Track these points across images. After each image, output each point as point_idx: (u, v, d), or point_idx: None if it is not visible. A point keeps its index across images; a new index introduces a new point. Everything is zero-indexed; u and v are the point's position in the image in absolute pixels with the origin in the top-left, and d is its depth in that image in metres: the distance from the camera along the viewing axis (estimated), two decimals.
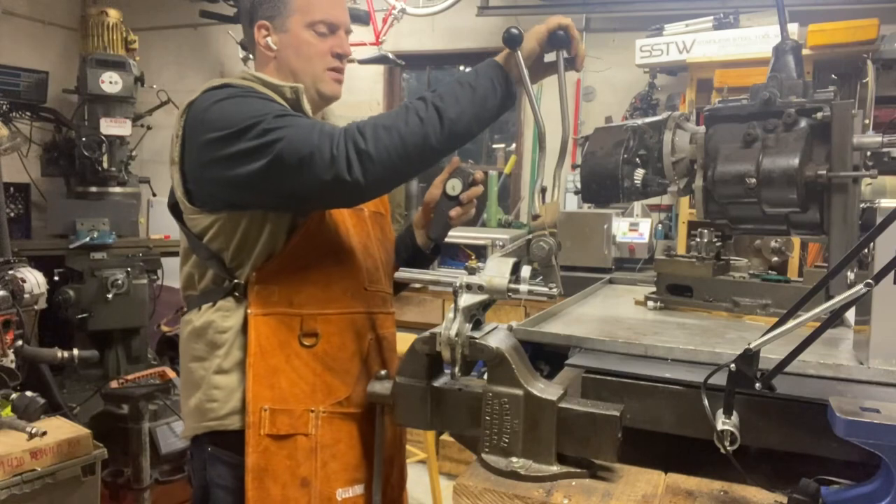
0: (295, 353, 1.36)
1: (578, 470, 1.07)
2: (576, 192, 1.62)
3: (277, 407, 1.33)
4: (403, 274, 1.31)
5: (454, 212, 1.46)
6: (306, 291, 1.37)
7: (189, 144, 1.33)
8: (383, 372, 1.35)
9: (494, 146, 5.16)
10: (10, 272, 2.45)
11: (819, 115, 1.24)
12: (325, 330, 1.38)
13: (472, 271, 1.15)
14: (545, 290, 1.15)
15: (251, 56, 1.54)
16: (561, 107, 1.40)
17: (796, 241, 3.22)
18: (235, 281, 1.36)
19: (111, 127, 3.94)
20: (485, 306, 1.17)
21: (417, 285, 1.38)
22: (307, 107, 1.40)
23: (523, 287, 1.14)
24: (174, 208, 1.44)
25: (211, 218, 1.36)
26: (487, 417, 1.11)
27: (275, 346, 1.34)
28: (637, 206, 4.04)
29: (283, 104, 1.34)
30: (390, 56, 4.33)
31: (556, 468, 1.07)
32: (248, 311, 1.34)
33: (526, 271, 1.16)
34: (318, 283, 1.38)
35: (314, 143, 1.19)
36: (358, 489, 1.40)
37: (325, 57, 1.45)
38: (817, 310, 0.94)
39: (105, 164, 3.94)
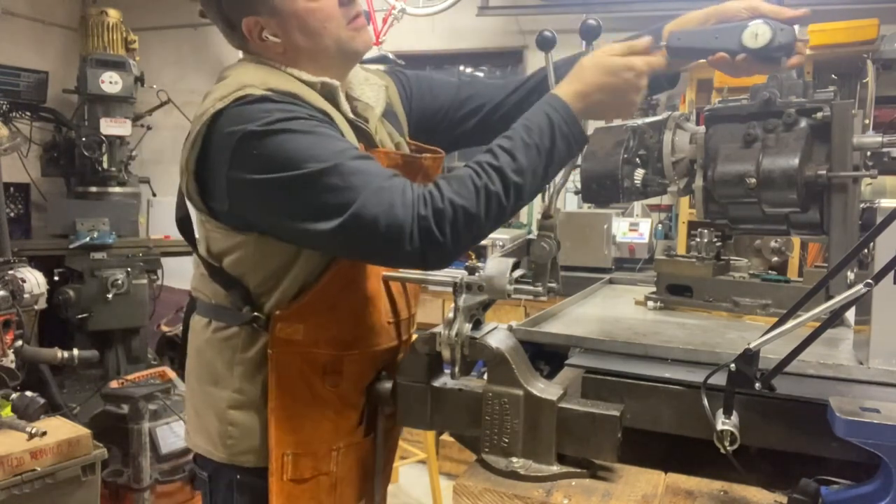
0: (319, 396, 1.25)
1: (578, 470, 1.07)
2: (576, 192, 1.61)
3: (301, 451, 1.24)
4: (403, 274, 1.31)
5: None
6: (333, 330, 1.23)
7: (218, 165, 1.12)
8: (383, 372, 1.35)
9: None
10: (10, 272, 2.46)
11: (819, 115, 1.24)
12: (349, 370, 1.27)
13: (472, 271, 1.15)
14: (542, 290, 1.16)
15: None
16: None
17: (796, 241, 3.22)
18: (255, 314, 1.22)
19: (111, 127, 3.95)
20: (485, 306, 1.17)
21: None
22: (345, 105, 1.24)
23: (523, 287, 1.14)
24: (182, 224, 1.32)
25: (237, 238, 1.20)
26: (487, 417, 1.11)
27: (298, 388, 1.23)
28: (637, 206, 4.04)
29: (339, 129, 1.15)
30: (390, 56, 4.33)
31: (556, 468, 1.07)
32: (269, 349, 1.21)
33: (525, 271, 1.16)
34: (346, 321, 1.25)
35: (391, 220, 1.04)
36: None
37: (334, 15, 1.21)
38: (817, 310, 0.94)
39: (105, 164, 3.95)
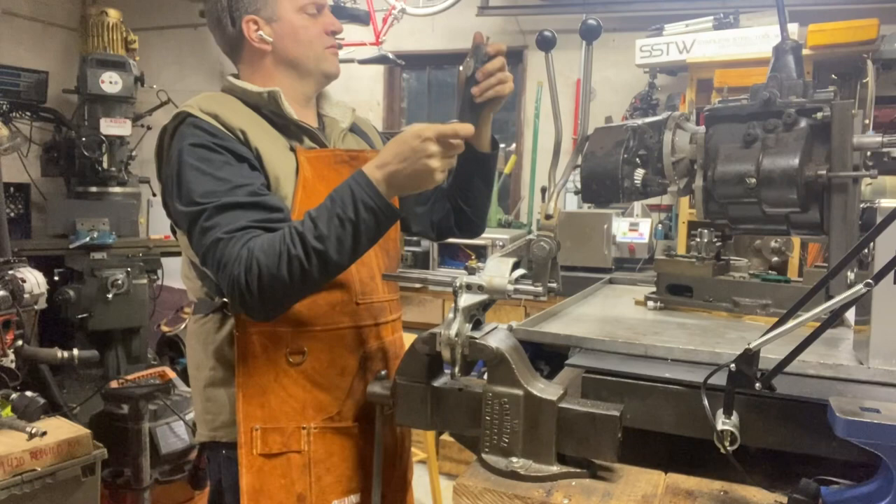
0: (283, 372, 1.34)
1: (578, 470, 1.07)
2: (576, 192, 1.61)
3: (268, 426, 1.33)
4: (403, 274, 1.31)
5: (475, 89, 1.37)
6: (293, 309, 1.31)
7: (163, 172, 1.35)
8: (383, 372, 1.35)
9: None
10: (10, 272, 2.45)
11: (819, 115, 1.24)
12: (312, 347, 1.35)
13: (472, 271, 1.15)
14: (541, 290, 1.15)
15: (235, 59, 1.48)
16: (553, 108, 1.41)
17: (796, 241, 3.22)
18: (224, 300, 1.35)
19: (111, 127, 3.95)
20: (485, 306, 1.17)
21: (417, 285, 1.37)
22: (288, 108, 1.38)
23: (523, 287, 1.14)
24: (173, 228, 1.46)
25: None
26: (487, 417, 1.11)
27: (262, 364, 1.33)
28: (637, 206, 4.04)
29: (248, 146, 1.31)
30: (390, 56, 4.33)
31: (556, 468, 1.07)
32: (235, 330, 1.33)
33: (525, 271, 1.16)
34: (306, 301, 1.32)
35: (223, 274, 1.21)
36: (354, 498, 1.40)
37: (322, 37, 1.44)
38: (817, 310, 0.94)
39: (105, 164, 3.94)
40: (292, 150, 1.37)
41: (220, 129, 1.30)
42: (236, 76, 1.46)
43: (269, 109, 1.40)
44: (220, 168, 1.26)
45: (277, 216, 1.26)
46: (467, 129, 1.21)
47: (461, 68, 1.40)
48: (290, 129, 1.41)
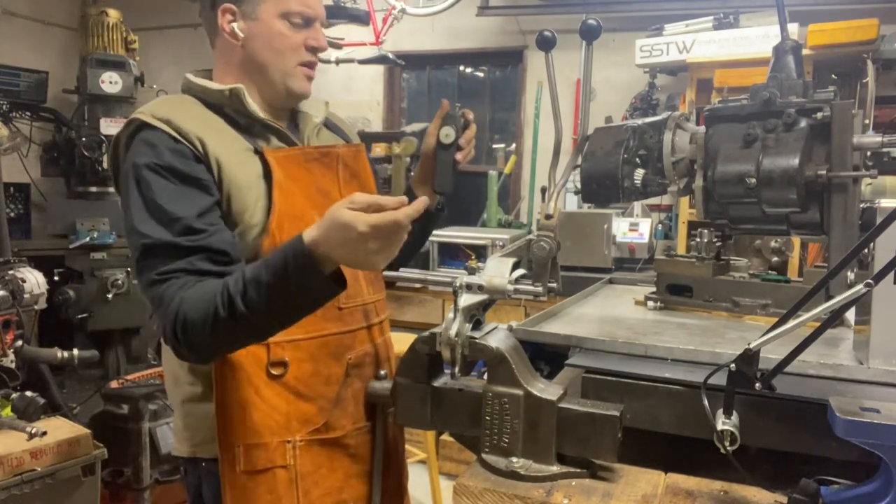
0: (265, 385, 1.27)
1: (578, 470, 1.07)
2: (576, 192, 1.62)
3: (251, 442, 1.26)
4: (403, 274, 1.31)
5: (460, 156, 1.43)
6: None
7: (119, 184, 1.29)
8: (383, 372, 1.35)
9: (494, 146, 5.16)
10: (10, 272, 2.45)
11: (819, 115, 1.24)
12: (294, 357, 1.28)
13: (472, 271, 1.15)
14: (542, 290, 1.15)
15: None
16: (553, 108, 1.41)
17: (796, 241, 3.22)
18: None
19: (111, 127, 3.95)
20: (485, 306, 1.17)
21: (417, 285, 1.37)
22: (252, 105, 1.32)
23: (523, 287, 1.14)
24: None
25: None
26: (487, 417, 1.11)
27: (242, 378, 1.26)
28: (637, 206, 4.04)
29: (202, 152, 1.24)
30: (390, 56, 4.33)
31: (556, 468, 1.07)
32: None
33: (525, 271, 1.16)
34: None
35: (159, 315, 1.18)
36: None
37: (298, 51, 1.33)
38: (817, 310, 0.94)
39: (105, 164, 3.95)
40: (257, 152, 1.29)
41: (176, 138, 1.22)
42: (198, 73, 1.39)
43: (232, 108, 1.32)
44: (162, 194, 1.19)
45: (201, 256, 1.18)
46: (417, 206, 1.06)
47: (440, 137, 1.44)
48: (255, 128, 1.34)
